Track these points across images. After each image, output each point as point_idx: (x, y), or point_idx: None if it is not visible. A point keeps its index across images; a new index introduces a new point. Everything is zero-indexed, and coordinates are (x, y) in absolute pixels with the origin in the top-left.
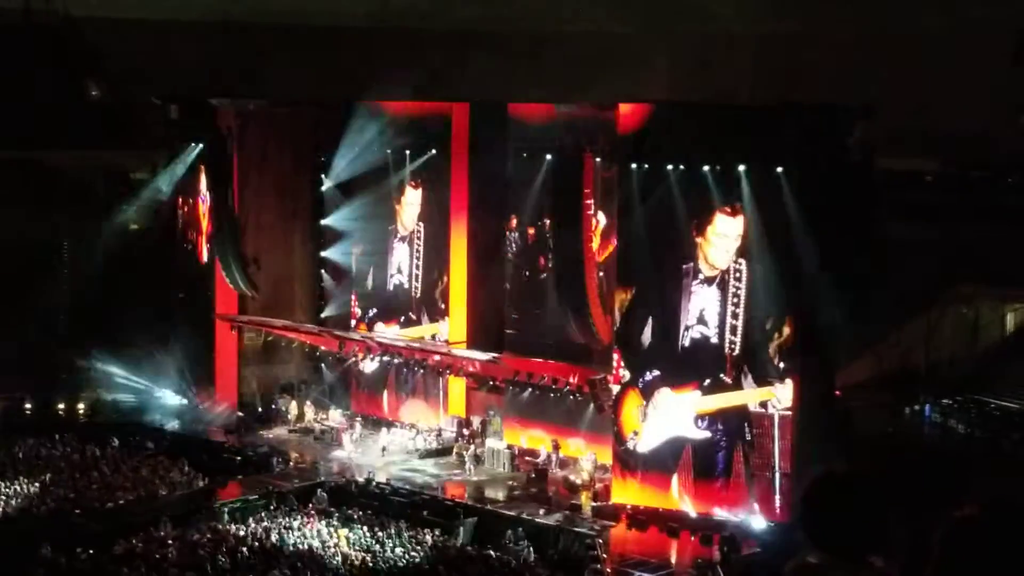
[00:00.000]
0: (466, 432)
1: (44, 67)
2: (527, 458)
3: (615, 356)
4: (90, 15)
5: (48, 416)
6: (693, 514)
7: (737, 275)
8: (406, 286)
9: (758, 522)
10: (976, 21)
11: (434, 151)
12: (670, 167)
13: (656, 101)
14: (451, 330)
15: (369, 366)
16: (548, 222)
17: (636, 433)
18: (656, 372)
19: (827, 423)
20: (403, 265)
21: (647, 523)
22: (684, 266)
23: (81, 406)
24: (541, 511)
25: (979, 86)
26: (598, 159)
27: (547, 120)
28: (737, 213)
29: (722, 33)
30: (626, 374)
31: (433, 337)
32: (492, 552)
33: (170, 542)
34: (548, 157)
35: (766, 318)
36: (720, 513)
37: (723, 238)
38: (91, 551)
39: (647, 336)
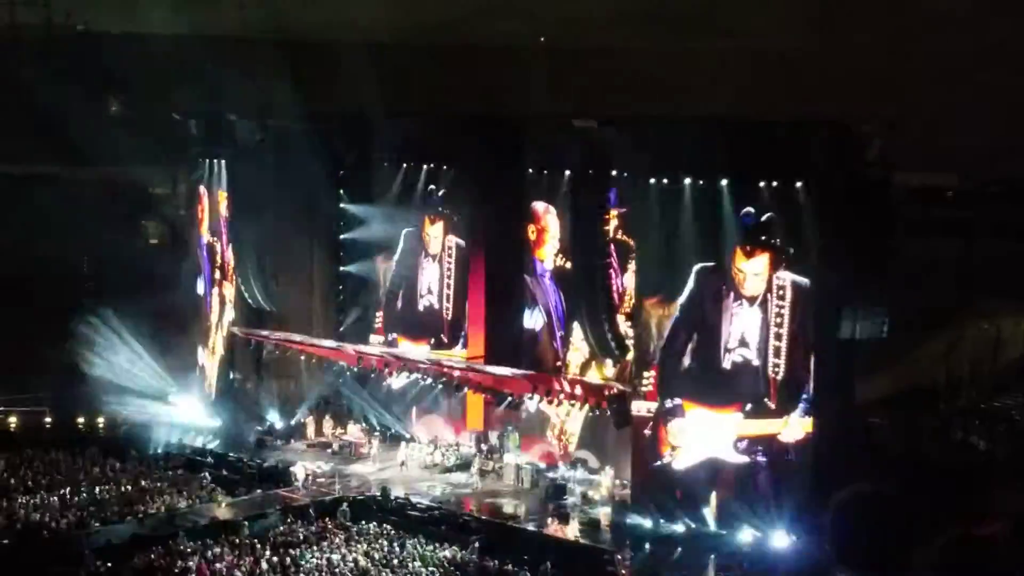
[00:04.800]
0: (484, 447)
1: (64, 83)
2: (546, 474)
3: (648, 374)
4: (110, 30)
5: (68, 430)
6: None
7: (780, 292)
8: (436, 307)
9: (778, 542)
10: (995, 36)
11: (453, 169)
12: (688, 181)
13: (676, 116)
14: (469, 346)
15: (394, 383)
16: (569, 236)
17: (673, 450)
18: (684, 394)
19: (849, 440)
20: (433, 285)
21: (669, 540)
22: (723, 287)
23: (100, 420)
24: (559, 527)
25: (997, 101)
26: (614, 172)
27: (566, 135)
28: (754, 255)
29: (744, 49)
30: (663, 392)
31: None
32: (510, 567)
33: (189, 555)
34: (567, 173)
35: (805, 337)
36: (752, 534)
37: (742, 273)
38: (110, 564)
39: (688, 356)
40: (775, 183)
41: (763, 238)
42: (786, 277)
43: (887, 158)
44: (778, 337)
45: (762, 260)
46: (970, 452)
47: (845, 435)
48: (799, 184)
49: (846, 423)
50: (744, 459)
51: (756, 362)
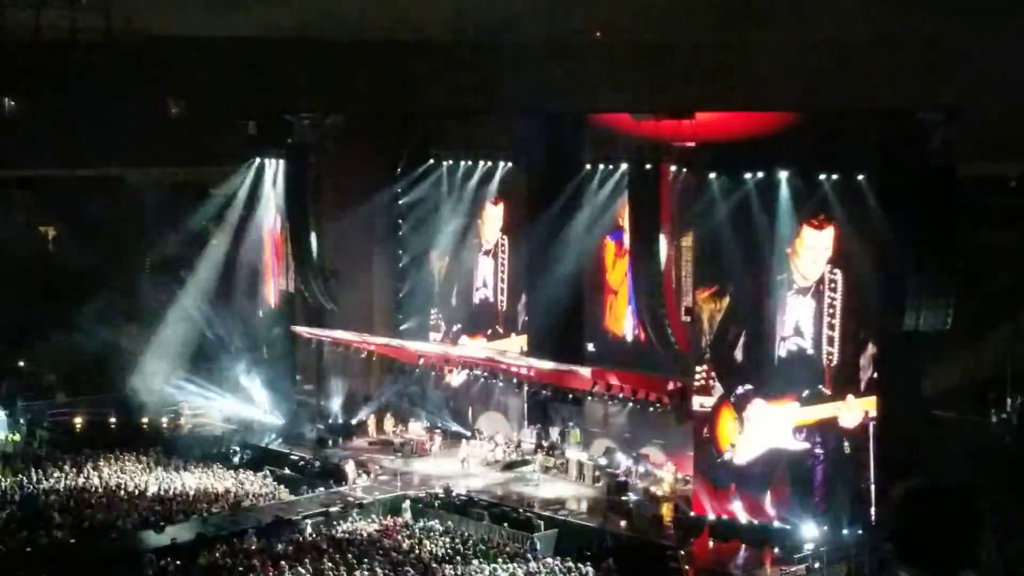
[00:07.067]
0: (544, 444)
1: (125, 85)
2: (608, 470)
3: (700, 368)
4: (169, 34)
5: (132, 430)
6: (777, 525)
7: (832, 285)
8: (491, 299)
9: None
10: None
11: (511, 164)
12: (748, 175)
13: (735, 109)
14: (528, 342)
15: (455, 379)
16: (625, 231)
17: (733, 446)
18: (748, 386)
19: (913, 433)
20: (488, 279)
21: (730, 535)
22: (779, 277)
23: (164, 420)
24: (622, 523)
25: None
26: (674, 167)
27: (625, 129)
28: (824, 226)
29: (803, 40)
30: (720, 388)
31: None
32: (573, 564)
33: (255, 554)
34: (624, 166)
35: (860, 328)
36: (812, 526)
37: (811, 250)
38: (177, 562)
39: (740, 349)
40: (836, 175)
41: (832, 207)
42: (838, 272)
43: (950, 147)
44: (831, 327)
45: (829, 233)
46: None
47: (910, 428)
48: (861, 176)
49: (911, 416)
50: (805, 445)
51: (811, 351)
